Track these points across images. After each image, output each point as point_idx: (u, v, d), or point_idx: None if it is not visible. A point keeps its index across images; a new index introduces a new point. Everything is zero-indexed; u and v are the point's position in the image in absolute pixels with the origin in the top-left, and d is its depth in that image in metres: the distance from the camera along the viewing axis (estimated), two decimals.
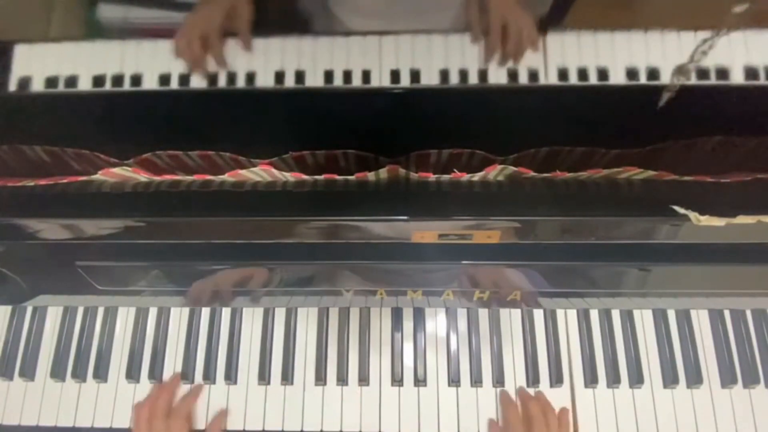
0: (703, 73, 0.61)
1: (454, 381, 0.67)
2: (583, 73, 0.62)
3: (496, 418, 0.65)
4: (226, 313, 0.71)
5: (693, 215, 0.45)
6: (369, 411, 0.66)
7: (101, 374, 0.68)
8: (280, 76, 0.64)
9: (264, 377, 0.67)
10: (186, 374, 0.68)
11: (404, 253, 0.57)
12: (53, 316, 0.72)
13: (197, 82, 0.64)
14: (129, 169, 0.52)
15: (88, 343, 0.70)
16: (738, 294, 0.66)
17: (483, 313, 0.69)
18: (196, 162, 0.52)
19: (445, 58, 0.64)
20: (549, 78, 0.63)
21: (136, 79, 0.64)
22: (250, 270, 0.62)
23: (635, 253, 0.57)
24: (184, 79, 0.64)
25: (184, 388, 0.68)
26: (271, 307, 0.70)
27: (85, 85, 0.64)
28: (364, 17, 0.70)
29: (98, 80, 0.64)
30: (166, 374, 0.69)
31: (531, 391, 0.66)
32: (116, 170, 0.52)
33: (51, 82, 0.65)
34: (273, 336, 0.70)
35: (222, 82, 0.64)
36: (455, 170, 0.51)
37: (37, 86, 0.65)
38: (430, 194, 0.50)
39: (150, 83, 0.64)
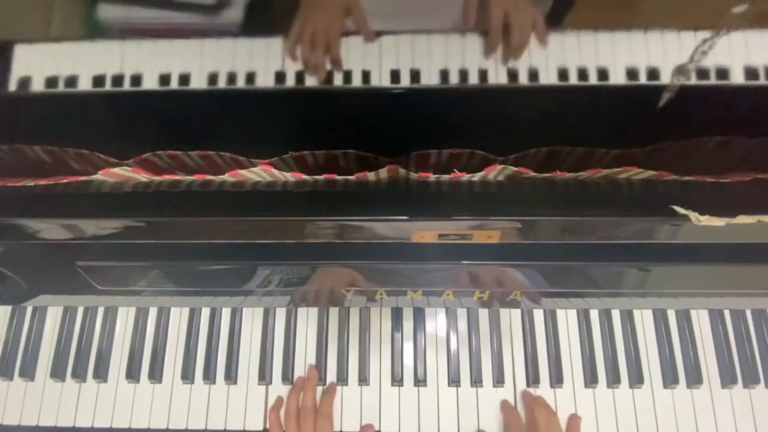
0: (703, 73, 0.61)
1: (454, 381, 0.67)
2: (583, 73, 0.62)
3: (497, 418, 0.65)
4: (226, 312, 0.71)
5: (693, 215, 0.45)
6: (369, 411, 0.66)
7: (101, 374, 0.68)
8: (280, 76, 0.64)
9: (264, 377, 0.67)
10: (186, 374, 0.68)
11: (404, 253, 0.57)
12: (53, 316, 0.72)
13: (197, 82, 0.64)
14: (129, 169, 0.51)
15: (88, 343, 0.70)
16: (738, 294, 0.65)
17: (483, 313, 0.69)
18: (196, 162, 0.52)
19: (445, 58, 0.64)
20: (549, 78, 0.63)
21: (136, 79, 0.64)
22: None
23: (635, 253, 0.57)
24: (184, 79, 0.64)
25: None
26: (271, 307, 0.70)
27: (85, 85, 0.64)
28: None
29: (98, 80, 0.64)
30: (167, 374, 0.69)
31: (532, 391, 0.66)
32: (116, 170, 0.52)
33: (51, 82, 0.65)
34: (273, 336, 0.70)
35: (222, 82, 0.64)
36: (455, 170, 0.51)
37: (37, 86, 0.65)
38: (430, 194, 0.50)
39: (150, 83, 0.64)
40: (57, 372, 0.69)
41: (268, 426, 0.65)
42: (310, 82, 0.64)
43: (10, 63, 0.65)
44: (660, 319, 0.68)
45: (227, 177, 0.52)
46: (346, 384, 0.67)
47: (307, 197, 0.51)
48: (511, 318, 0.69)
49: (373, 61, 0.64)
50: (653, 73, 0.62)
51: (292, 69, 0.64)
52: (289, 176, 0.52)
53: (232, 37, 0.65)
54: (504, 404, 0.65)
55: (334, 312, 0.70)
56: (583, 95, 0.62)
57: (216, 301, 0.70)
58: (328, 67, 0.63)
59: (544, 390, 0.66)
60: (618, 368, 0.66)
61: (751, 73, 0.61)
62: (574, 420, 0.64)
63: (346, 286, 0.64)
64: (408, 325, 0.69)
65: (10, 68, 0.65)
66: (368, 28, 0.63)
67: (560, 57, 0.63)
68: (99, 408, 0.68)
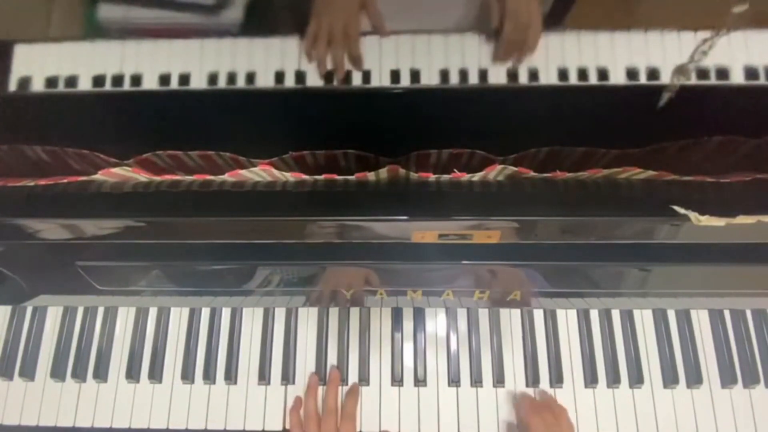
0: (703, 73, 0.61)
1: (454, 381, 0.67)
2: (583, 73, 0.62)
3: (497, 418, 0.65)
4: (226, 313, 0.71)
5: (693, 215, 0.45)
6: (369, 411, 0.66)
7: (101, 374, 0.68)
8: (280, 76, 0.64)
9: (264, 377, 0.67)
10: (186, 374, 0.68)
11: (404, 253, 0.57)
12: (53, 316, 0.72)
13: (197, 82, 0.64)
14: (129, 169, 0.51)
15: (88, 343, 0.70)
16: (738, 294, 0.66)
17: (483, 313, 0.69)
18: (196, 162, 0.52)
19: (445, 58, 0.64)
20: (549, 78, 0.63)
21: (136, 79, 0.64)
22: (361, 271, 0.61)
23: (635, 253, 0.57)
24: (184, 79, 0.64)
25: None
26: (271, 307, 0.70)
27: (85, 85, 0.64)
28: (364, 17, 0.70)
29: (98, 80, 0.64)
30: (167, 374, 0.69)
31: (534, 391, 0.66)
32: (116, 170, 0.52)
33: (51, 82, 0.65)
34: (273, 336, 0.70)
35: (222, 82, 0.64)
36: (455, 170, 0.51)
37: (37, 86, 0.65)
38: (430, 194, 0.50)
39: (150, 83, 0.64)
40: (57, 372, 0.69)
41: (288, 427, 0.65)
42: (311, 81, 0.64)
43: (10, 63, 0.66)
44: (660, 319, 0.68)
45: (227, 177, 0.52)
46: (347, 384, 0.67)
47: (307, 197, 0.51)
48: (511, 318, 0.69)
49: (373, 61, 0.64)
50: (653, 73, 0.62)
51: (291, 69, 0.64)
52: (289, 176, 0.52)
53: (232, 37, 0.65)
54: (521, 403, 0.65)
55: (334, 312, 0.70)
56: (583, 95, 0.62)
57: (216, 301, 0.70)
58: (348, 65, 0.63)
59: (543, 390, 0.66)
60: (618, 368, 0.66)
61: (751, 73, 0.61)
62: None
63: (355, 287, 0.64)
64: (408, 325, 0.69)
65: (10, 68, 0.65)
66: (383, 21, 0.62)
67: (560, 57, 0.63)
68: (99, 408, 0.68)
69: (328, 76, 0.64)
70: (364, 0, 0.63)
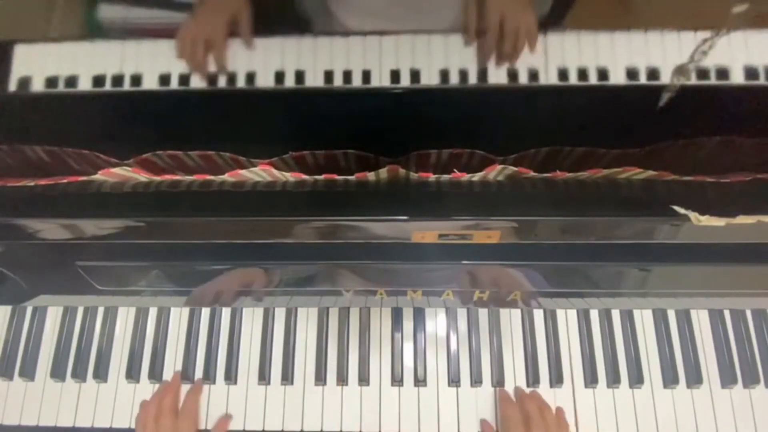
0: (703, 73, 0.61)
1: (454, 381, 0.67)
2: (583, 73, 0.62)
3: (496, 418, 0.65)
4: (226, 313, 0.71)
5: (693, 215, 0.45)
6: (369, 411, 0.66)
7: (101, 374, 0.68)
8: (280, 76, 0.64)
9: (264, 377, 0.67)
10: (186, 374, 0.68)
11: (404, 253, 0.57)
12: (53, 316, 0.72)
13: (197, 82, 0.64)
14: (129, 169, 0.51)
15: (88, 343, 0.70)
16: (738, 294, 0.66)
17: (483, 313, 0.69)
18: (196, 162, 0.52)
19: (445, 58, 0.64)
20: (549, 78, 0.63)
21: (136, 79, 0.64)
22: (254, 271, 0.62)
23: (635, 253, 0.57)
24: (184, 79, 0.64)
25: (185, 387, 0.68)
26: (271, 307, 0.70)
27: (85, 85, 0.64)
28: (364, 17, 0.70)
29: (98, 80, 0.65)
30: (167, 374, 0.69)
31: (527, 390, 0.66)
32: (116, 170, 0.52)
33: (51, 82, 0.65)
34: (273, 336, 0.70)
35: (222, 82, 0.65)
36: (455, 170, 0.51)
37: (37, 86, 0.65)
38: (430, 194, 0.50)
39: (150, 83, 0.64)
40: (57, 372, 0.69)
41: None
42: (310, 82, 0.64)
43: (10, 63, 0.66)
44: (660, 319, 0.68)
45: (227, 177, 0.52)
46: (346, 384, 0.67)
47: (307, 197, 0.51)
48: (511, 318, 0.69)
49: (373, 61, 0.64)
50: (653, 73, 0.62)
51: (291, 69, 0.64)
52: (289, 176, 0.52)
53: (231, 37, 0.65)
54: (502, 394, 0.65)
55: (334, 312, 0.70)
56: (583, 95, 0.62)
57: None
58: (213, 67, 0.64)
59: (544, 390, 0.66)
60: (618, 368, 0.66)
61: (751, 73, 0.61)
62: (560, 411, 0.64)
63: (247, 287, 0.65)
64: (408, 325, 0.69)
65: (10, 68, 0.65)
66: (250, 37, 0.65)
67: (560, 57, 0.63)
68: (99, 408, 0.68)
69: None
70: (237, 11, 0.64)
